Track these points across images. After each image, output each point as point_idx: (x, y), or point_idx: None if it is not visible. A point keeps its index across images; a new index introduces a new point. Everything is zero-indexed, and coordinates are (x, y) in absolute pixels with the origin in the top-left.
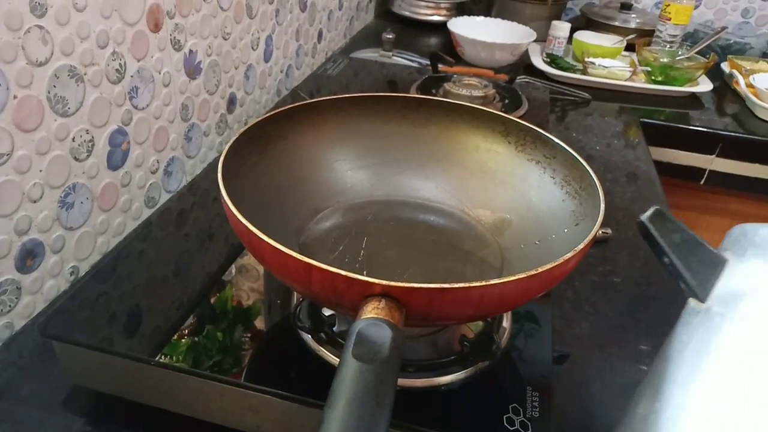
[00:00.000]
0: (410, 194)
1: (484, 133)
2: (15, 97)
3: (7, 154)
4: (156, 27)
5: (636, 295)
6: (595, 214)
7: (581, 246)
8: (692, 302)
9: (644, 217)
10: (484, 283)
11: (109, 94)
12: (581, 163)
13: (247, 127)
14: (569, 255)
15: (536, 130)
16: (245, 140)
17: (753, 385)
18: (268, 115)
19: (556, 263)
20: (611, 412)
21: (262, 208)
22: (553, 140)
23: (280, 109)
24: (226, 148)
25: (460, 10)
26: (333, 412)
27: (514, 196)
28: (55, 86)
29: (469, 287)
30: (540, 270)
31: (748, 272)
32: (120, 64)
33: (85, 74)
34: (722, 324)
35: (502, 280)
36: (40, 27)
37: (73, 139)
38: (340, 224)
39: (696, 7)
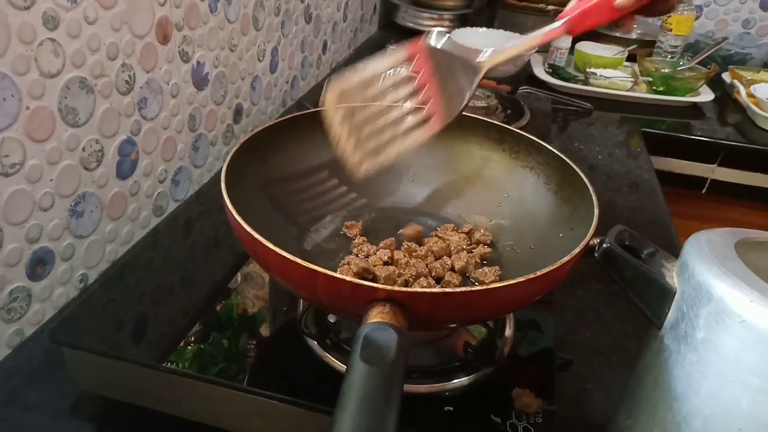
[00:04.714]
0: (407, 201)
1: (479, 141)
2: (27, 108)
3: (19, 164)
4: (164, 39)
5: None
6: (590, 219)
7: (577, 250)
8: (653, 328)
9: (597, 254)
10: (484, 287)
11: (119, 104)
12: (574, 169)
13: (247, 137)
14: (566, 259)
15: (530, 138)
16: (246, 150)
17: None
18: (268, 125)
19: (553, 267)
20: (613, 419)
21: (264, 216)
22: (546, 147)
23: (281, 119)
24: (228, 158)
25: (462, 22)
26: (344, 413)
27: (510, 202)
28: (66, 97)
29: (470, 292)
30: (538, 274)
31: (689, 299)
32: (129, 76)
33: (95, 85)
34: (676, 349)
35: (501, 285)
36: (52, 40)
37: (84, 149)
38: (339, 231)
39: (697, 17)
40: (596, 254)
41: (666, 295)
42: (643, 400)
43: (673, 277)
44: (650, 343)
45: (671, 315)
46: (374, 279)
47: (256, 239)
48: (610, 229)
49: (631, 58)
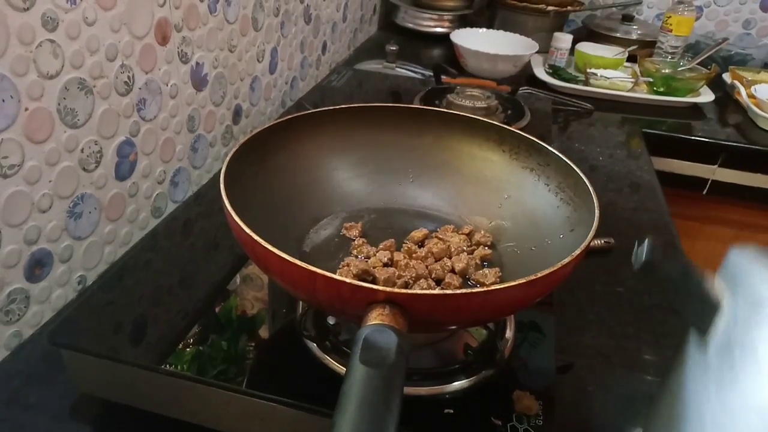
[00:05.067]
0: (407, 202)
1: (479, 142)
2: (26, 109)
3: (18, 165)
4: (164, 40)
5: (639, 304)
6: (590, 220)
7: (578, 251)
8: (695, 337)
9: (636, 265)
10: (484, 289)
11: (118, 105)
12: (575, 170)
13: (247, 138)
14: (566, 260)
15: (530, 139)
16: (246, 151)
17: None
18: (267, 126)
19: (554, 269)
20: (614, 422)
21: (263, 217)
22: (546, 148)
23: (279, 120)
24: (227, 159)
25: (462, 22)
26: (344, 416)
27: (510, 203)
28: (65, 98)
29: (470, 293)
30: (538, 275)
31: (742, 313)
32: (128, 77)
33: (94, 86)
34: (718, 367)
35: (501, 286)
36: (52, 41)
37: (82, 150)
38: (338, 233)
39: (697, 18)
40: (635, 266)
41: (713, 308)
42: (678, 414)
43: (716, 289)
44: (690, 357)
45: (718, 328)
46: (374, 281)
47: (255, 241)
48: (644, 240)
49: (631, 58)
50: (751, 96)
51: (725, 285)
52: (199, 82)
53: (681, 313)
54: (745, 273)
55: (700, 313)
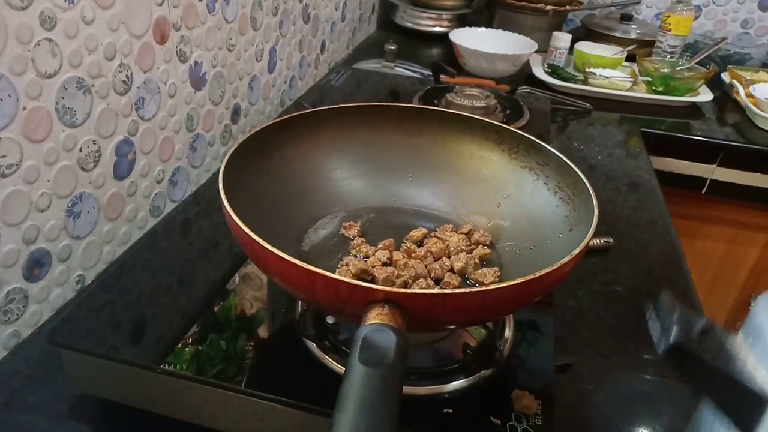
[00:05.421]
0: (406, 201)
1: (477, 141)
2: (24, 108)
3: (16, 165)
4: (162, 39)
5: (638, 304)
6: (589, 219)
7: (576, 251)
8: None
9: (662, 350)
10: (483, 288)
11: (116, 105)
12: (574, 169)
13: (245, 137)
14: (565, 260)
15: (529, 138)
16: (244, 150)
17: None
18: (265, 125)
19: (553, 268)
20: (613, 421)
21: (262, 216)
22: (545, 147)
23: (278, 119)
24: (226, 158)
25: (461, 22)
26: (343, 415)
27: (509, 203)
28: (63, 97)
29: (470, 293)
30: (537, 275)
31: None
32: (127, 76)
33: (92, 86)
34: None
35: (500, 286)
36: (50, 40)
37: (81, 150)
38: (337, 232)
39: (696, 18)
40: (660, 349)
41: (761, 402)
42: None
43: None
44: None
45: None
46: (373, 280)
47: (254, 240)
48: (664, 306)
49: (630, 58)
50: (749, 95)
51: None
52: (197, 81)
53: (714, 401)
54: None
55: (744, 407)
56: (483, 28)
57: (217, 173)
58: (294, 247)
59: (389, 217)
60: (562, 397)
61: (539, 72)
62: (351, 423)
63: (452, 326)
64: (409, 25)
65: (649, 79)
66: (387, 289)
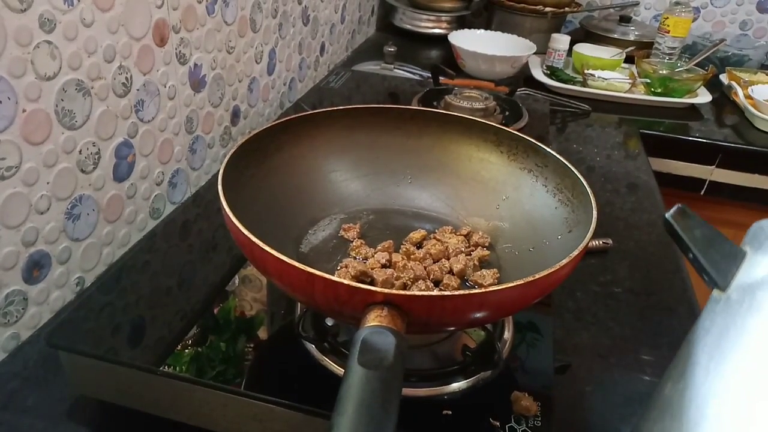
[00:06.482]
0: (405, 203)
1: (476, 143)
2: (24, 110)
3: (15, 167)
4: (162, 41)
5: (637, 305)
6: (588, 221)
7: (575, 252)
8: (715, 292)
9: (668, 214)
10: (482, 290)
11: (116, 107)
12: (572, 171)
13: (245, 139)
14: (564, 261)
15: (528, 140)
16: (244, 152)
17: None
18: (264, 128)
19: (552, 270)
20: (612, 422)
21: (261, 218)
22: (544, 149)
23: (276, 122)
24: (225, 161)
25: (460, 23)
26: (342, 418)
27: (508, 204)
28: (62, 100)
29: (469, 295)
30: (536, 277)
31: (765, 263)
32: (126, 78)
33: (92, 88)
34: (740, 310)
35: (499, 288)
36: (49, 42)
37: (80, 152)
38: (336, 234)
39: (694, 19)
40: (667, 215)
41: (736, 256)
42: (703, 362)
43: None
44: (712, 307)
45: (739, 277)
46: (372, 282)
47: (253, 242)
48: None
49: (628, 59)
50: (748, 97)
51: (749, 241)
52: (197, 83)
53: (700, 269)
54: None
55: (724, 264)
56: (482, 30)
57: (216, 175)
58: (293, 249)
59: (388, 219)
60: (562, 398)
61: (538, 74)
62: (350, 425)
63: (452, 328)
64: (408, 27)
65: (648, 81)
66: (386, 291)
